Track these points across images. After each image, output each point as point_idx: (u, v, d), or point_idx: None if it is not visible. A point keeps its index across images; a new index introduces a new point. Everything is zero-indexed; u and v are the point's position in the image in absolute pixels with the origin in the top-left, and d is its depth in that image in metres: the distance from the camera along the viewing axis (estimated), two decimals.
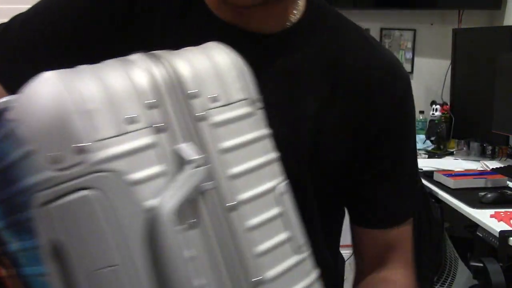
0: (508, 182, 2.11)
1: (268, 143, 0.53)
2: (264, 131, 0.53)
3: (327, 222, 0.73)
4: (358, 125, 0.69)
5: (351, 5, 2.84)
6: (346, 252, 0.85)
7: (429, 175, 2.23)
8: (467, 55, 2.67)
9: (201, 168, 0.45)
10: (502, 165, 2.40)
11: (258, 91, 0.54)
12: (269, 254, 0.50)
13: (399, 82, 0.71)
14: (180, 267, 0.42)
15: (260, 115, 0.53)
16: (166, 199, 0.43)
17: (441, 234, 2.14)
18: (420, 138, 2.65)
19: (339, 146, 0.69)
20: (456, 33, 2.73)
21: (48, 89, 0.42)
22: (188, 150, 0.46)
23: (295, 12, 0.68)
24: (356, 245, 0.78)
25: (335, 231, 0.79)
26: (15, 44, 0.67)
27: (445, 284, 2.19)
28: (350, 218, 0.77)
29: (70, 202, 0.41)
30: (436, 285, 2.17)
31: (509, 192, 1.93)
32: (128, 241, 0.42)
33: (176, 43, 0.53)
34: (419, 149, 2.63)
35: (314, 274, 0.54)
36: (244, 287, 0.48)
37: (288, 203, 0.53)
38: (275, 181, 0.52)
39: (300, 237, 0.53)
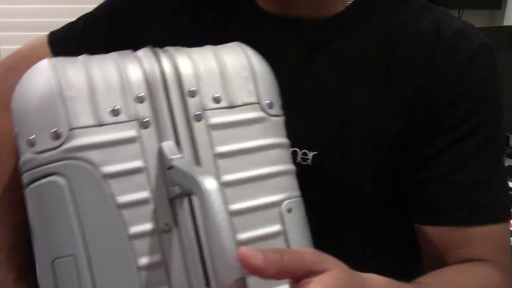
0: (508, 182, 1.79)
1: (281, 154, 0.48)
2: (277, 139, 0.48)
3: (388, 226, 0.64)
4: (420, 103, 0.59)
5: None
6: None
7: None
8: None
9: (174, 168, 0.42)
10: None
11: (279, 98, 0.50)
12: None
13: (466, 43, 0.59)
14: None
15: (273, 123, 0.49)
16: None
17: None
18: None
19: (397, 132, 0.60)
20: None
21: (39, 76, 0.43)
22: (171, 148, 0.43)
23: None
24: (425, 255, 0.65)
25: (404, 243, 0.67)
26: (78, 36, 0.72)
27: None
28: (413, 218, 0.64)
29: (41, 186, 0.42)
30: None
31: (509, 192, 1.64)
32: (90, 234, 0.41)
33: (225, 39, 0.52)
34: None
35: None
36: None
37: (295, 223, 0.47)
38: (281, 195, 0.47)
39: None
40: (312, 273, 0.38)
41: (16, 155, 0.67)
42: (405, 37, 0.60)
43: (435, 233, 0.59)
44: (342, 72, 0.61)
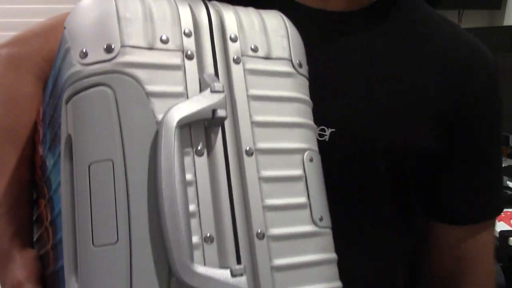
0: (508, 182, 2.00)
1: (306, 109, 0.52)
2: (303, 96, 0.52)
3: (398, 208, 0.68)
4: (441, 104, 0.65)
5: None
6: None
7: None
8: None
9: (220, 93, 0.45)
10: (503, 165, 2.08)
11: (306, 62, 0.54)
12: (279, 211, 0.47)
13: (485, 61, 0.68)
14: (171, 183, 0.41)
15: (301, 80, 0.52)
16: (174, 110, 0.43)
17: None
18: None
19: (418, 129, 0.65)
20: None
21: None
22: (212, 77, 0.46)
23: None
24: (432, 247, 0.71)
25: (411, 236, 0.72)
26: None
27: None
28: (427, 214, 0.71)
29: (88, 95, 0.44)
30: None
31: (509, 192, 1.85)
32: (129, 142, 0.43)
33: None
34: None
35: (333, 255, 0.49)
36: (243, 236, 0.45)
37: (315, 172, 0.50)
38: (305, 145, 0.50)
39: (321, 210, 0.49)
40: None
41: (31, 112, 0.69)
42: (429, 41, 0.67)
43: (447, 230, 0.67)
44: (372, 61, 0.66)
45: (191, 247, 0.41)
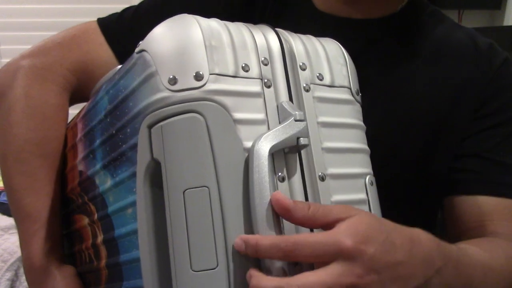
0: None
1: (362, 135, 0.55)
2: (360, 122, 0.55)
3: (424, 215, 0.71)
4: (464, 95, 0.69)
5: None
6: None
7: None
8: None
9: (302, 122, 0.47)
10: None
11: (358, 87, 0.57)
12: None
13: (498, 54, 0.72)
14: (265, 208, 0.43)
15: (358, 108, 0.55)
16: (264, 138, 0.45)
17: None
18: None
19: (440, 117, 0.69)
20: None
21: (186, 22, 0.47)
22: (291, 106, 0.48)
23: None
24: (450, 225, 0.71)
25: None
26: (129, 24, 0.75)
27: None
28: (446, 190, 0.71)
29: (178, 122, 0.44)
30: None
31: None
32: (222, 169, 0.44)
33: None
34: None
35: None
36: None
37: (375, 196, 0.53)
38: (366, 169, 0.53)
39: None
40: (340, 220, 0.43)
41: (60, 125, 0.67)
42: (448, 46, 0.71)
43: (465, 204, 0.68)
44: (395, 66, 0.70)
45: (285, 271, 0.43)
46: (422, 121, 0.68)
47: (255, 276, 0.41)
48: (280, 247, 0.41)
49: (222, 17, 0.50)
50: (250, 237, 0.42)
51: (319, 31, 0.57)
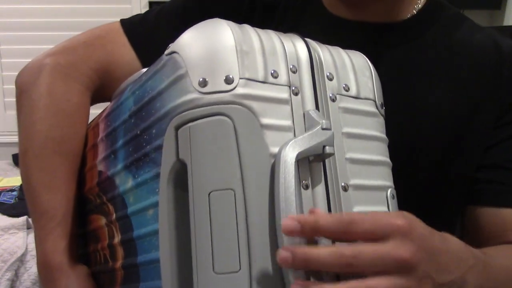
0: None
1: (385, 147, 0.55)
2: (383, 135, 0.55)
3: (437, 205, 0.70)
4: (486, 102, 0.68)
5: None
6: None
7: None
8: None
9: (329, 131, 0.47)
10: None
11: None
12: None
13: None
14: (290, 214, 0.43)
15: (382, 121, 0.55)
16: (291, 145, 0.45)
17: None
18: None
19: (465, 132, 0.68)
20: None
21: (219, 27, 0.48)
22: (318, 114, 0.48)
23: (418, 1, 0.72)
24: (471, 234, 0.71)
25: None
26: (152, 26, 0.76)
27: None
28: (467, 200, 0.71)
29: (207, 124, 0.44)
30: None
31: None
32: (248, 173, 0.44)
33: None
34: None
35: None
36: None
37: (396, 209, 0.53)
38: (388, 182, 0.53)
39: None
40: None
41: (81, 124, 0.68)
42: (468, 50, 0.70)
43: (488, 214, 0.68)
44: (411, 72, 0.69)
45: (308, 278, 0.43)
46: (442, 128, 0.68)
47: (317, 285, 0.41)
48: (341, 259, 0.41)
49: (242, 23, 0.51)
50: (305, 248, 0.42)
51: (335, 37, 0.57)
